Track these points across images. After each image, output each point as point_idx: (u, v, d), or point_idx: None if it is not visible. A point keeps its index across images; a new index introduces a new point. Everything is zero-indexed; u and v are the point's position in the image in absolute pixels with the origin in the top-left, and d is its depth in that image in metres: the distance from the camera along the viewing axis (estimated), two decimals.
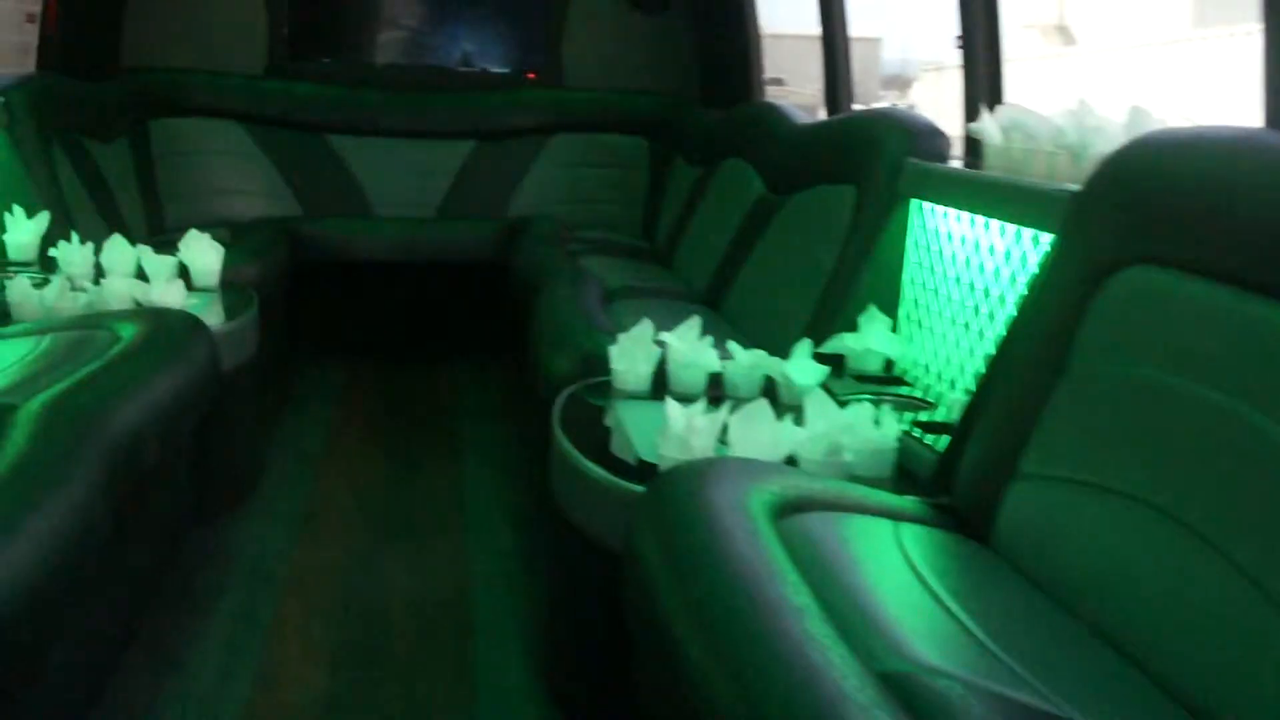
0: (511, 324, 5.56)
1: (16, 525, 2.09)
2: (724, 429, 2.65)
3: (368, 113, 7.07)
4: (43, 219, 4.62)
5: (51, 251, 4.36)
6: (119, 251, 4.35)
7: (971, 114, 3.77)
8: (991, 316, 3.16)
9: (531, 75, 7.40)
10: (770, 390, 3.22)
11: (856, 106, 5.43)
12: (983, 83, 3.87)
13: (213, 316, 4.09)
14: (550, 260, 5.44)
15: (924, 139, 3.81)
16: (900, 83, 33.75)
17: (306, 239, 6.44)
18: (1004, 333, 2.68)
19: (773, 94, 6.66)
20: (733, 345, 3.38)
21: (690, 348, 3.31)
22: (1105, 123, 3.09)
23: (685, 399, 2.80)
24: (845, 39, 5.24)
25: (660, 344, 3.33)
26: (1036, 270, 2.62)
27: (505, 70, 7.51)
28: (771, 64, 6.63)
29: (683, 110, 6.87)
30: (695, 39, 7.22)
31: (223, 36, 7.04)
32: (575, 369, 3.56)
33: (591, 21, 7.32)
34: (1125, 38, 23.95)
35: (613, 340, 3.35)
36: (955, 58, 4.10)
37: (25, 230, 4.57)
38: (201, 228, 4.88)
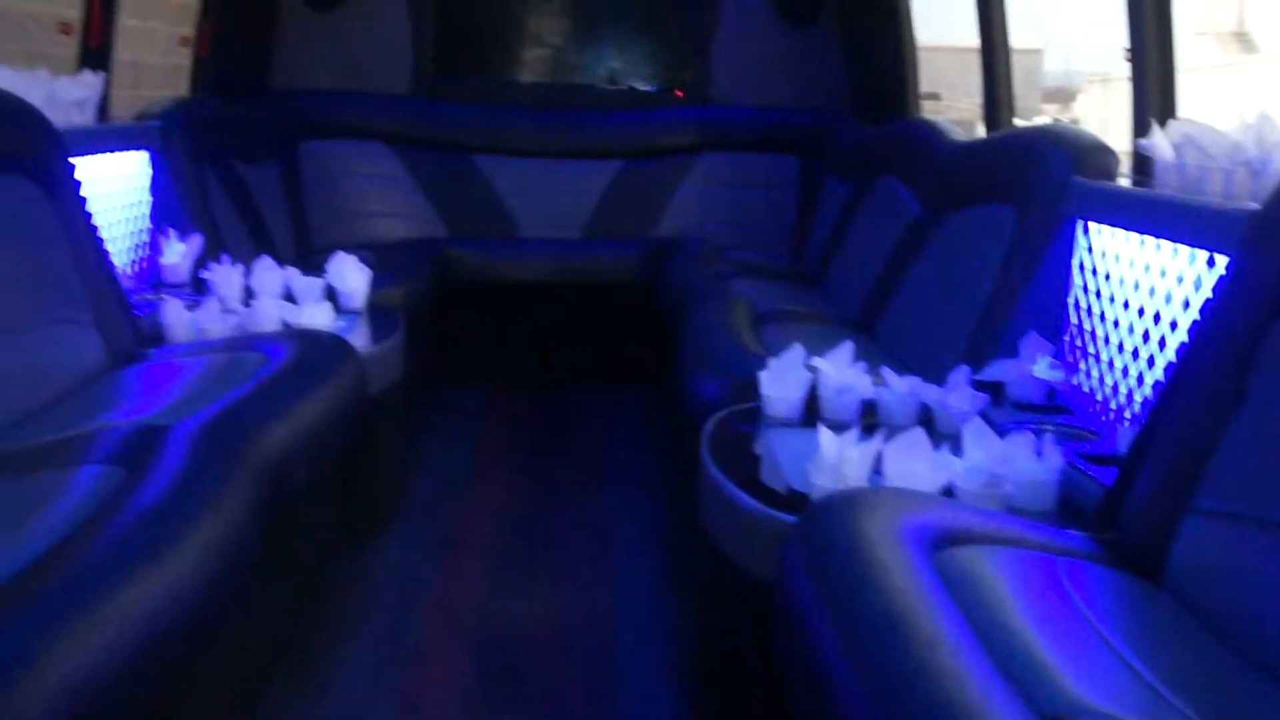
0: (658, 347, 5.57)
1: (171, 547, 2.15)
2: (878, 458, 2.62)
3: (513, 133, 7.17)
4: (195, 242, 4.77)
5: (203, 274, 4.50)
6: (268, 274, 4.46)
7: (1141, 129, 3.68)
8: (1162, 342, 3.08)
9: (679, 93, 7.44)
10: (926, 418, 3.19)
11: (1017, 121, 5.34)
12: (1153, 96, 3.77)
13: (360, 339, 4.18)
14: (698, 282, 5.45)
15: (1090, 156, 3.73)
16: (1064, 96, 33.22)
17: (452, 261, 6.54)
18: (1176, 360, 2.61)
19: (928, 109, 6.59)
20: (887, 371, 3.35)
21: (843, 373, 3.29)
22: None
23: (838, 426, 2.78)
24: (1005, 51, 5.17)
25: (812, 369, 3.32)
26: (1211, 294, 2.56)
27: (652, 88, 7.56)
28: (926, 78, 6.56)
29: (834, 127, 6.84)
30: (847, 53, 7.18)
31: (370, 58, 7.21)
32: (724, 394, 3.56)
33: (740, 37, 7.33)
34: None
35: (763, 365, 3.35)
36: (1123, 69, 4.01)
37: (179, 253, 4.73)
38: (348, 249, 4.99)
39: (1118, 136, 3.98)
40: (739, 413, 3.37)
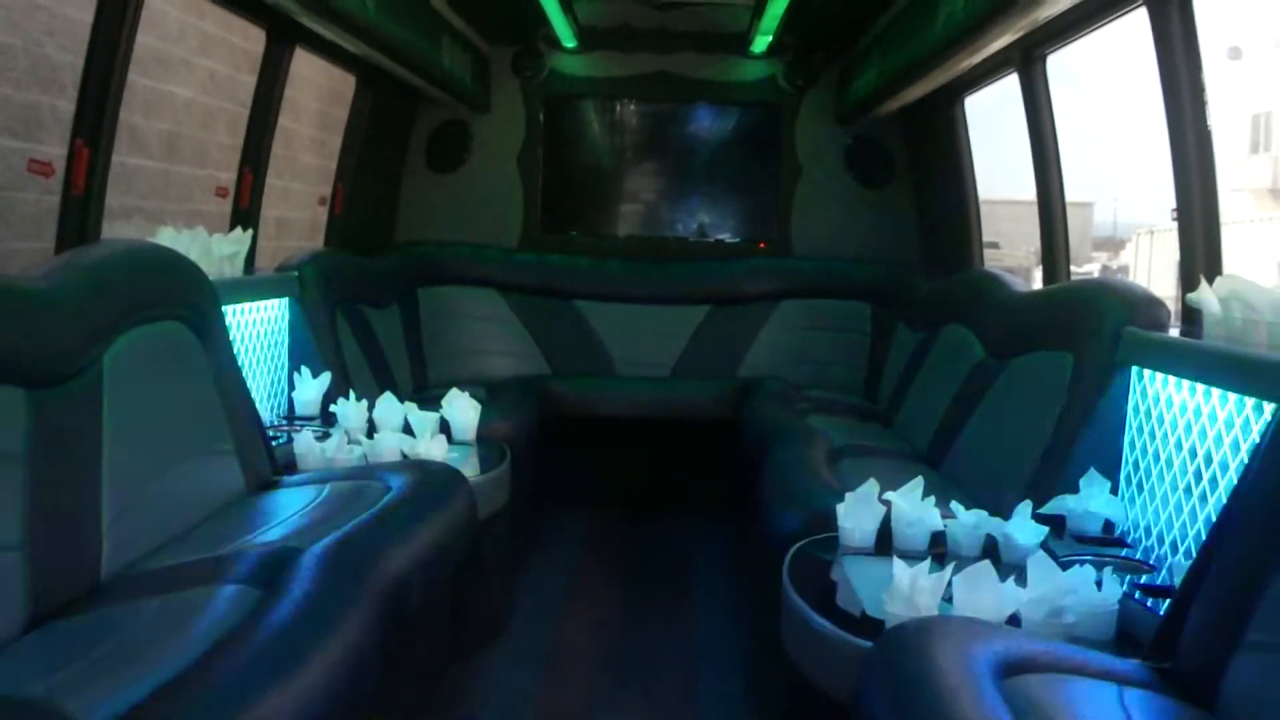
0: (743, 478, 5.57)
1: (300, 664, 2.20)
2: (948, 587, 2.61)
3: (611, 281, 7.27)
4: (325, 378, 4.88)
5: (332, 408, 4.60)
6: (389, 408, 4.55)
7: (1189, 285, 3.68)
8: (1214, 482, 3.05)
9: (762, 245, 7.55)
10: (992, 549, 3.18)
11: (1071, 268, 5.34)
12: (1199, 253, 3.77)
13: (470, 469, 4.24)
14: (779, 419, 5.46)
15: (1143, 309, 3.74)
16: (1113, 245, 33.21)
17: (554, 396, 6.62)
18: (1227, 499, 2.58)
19: (989, 256, 6.62)
20: (955, 505, 3.34)
21: (914, 506, 3.29)
22: None
23: (909, 556, 2.78)
24: (1062, 207, 5.19)
25: (885, 502, 3.32)
26: (1259, 439, 2.54)
27: (738, 240, 7.66)
28: (987, 228, 6.60)
29: (904, 277, 6.86)
30: (917, 209, 7.24)
31: (483, 214, 7.40)
32: (804, 525, 3.56)
33: (818, 194, 7.43)
34: None
35: (839, 498, 3.36)
36: (1165, 221, 4.02)
37: (310, 388, 4.84)
38: (461, 385, 5.09)
39: (1161, 281, 3.98)
40: (817, 542, 3.38)
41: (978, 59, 5.03)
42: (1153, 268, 23.02)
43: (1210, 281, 3.51)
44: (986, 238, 6.58)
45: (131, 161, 7.31)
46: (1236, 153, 31.20)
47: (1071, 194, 5.29)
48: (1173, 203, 3.85)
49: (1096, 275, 29.75)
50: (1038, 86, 5.02)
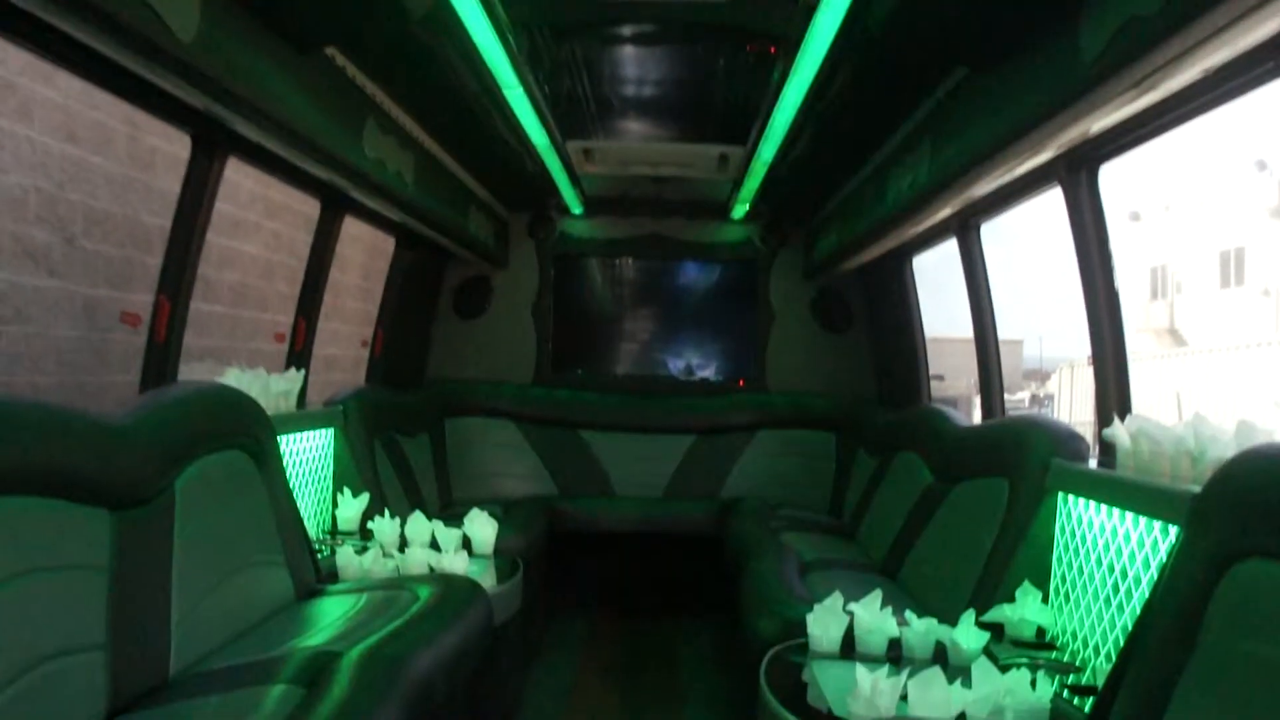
0: (725, 587, 5.55)
1: None
2: (904, 689, 2.61)
3: (612, 413, 7.31)
4: (364, 498, 4.88)
5: (369, 524, 4.59)
6: (418, 525, 4.55)
7: (1104, 421, 3.71)
8: (1130, 593, 3.06)
9: (741, 382, 7.60)
10: (942, 653, 3.17)
11: (1005, 396, 5.38)
12: (1112, 394, 3.82)
13: (488, 580, 4.23)
14: (756, 536, 5.45)
15: (1067, 443, 3.77)
16: (1039, 375, 33.50)
17: (561, 514, 6.61)
18: (1141, 609, 2.59)
19: (935, 386, 6.68)
20: (909, 614, 3.34)
21: (873, 615, 3.28)
22: (1219, 432, 3.03)
23: (871, 660, 2.78)
24: (996, 348, 5.24)
25: (849, 612, 3.32)
26: (1166, 557, 2.56)
27: (720, 378, 7.72)
28: (934, 362, 6.66)
29: (863, 410, 6.91)
30: (873, 351, 7.31)
31: (502, 355, 7.48)
32: (778, 632, 3.55)
33: (789, 338, 7.52)
34: (1225, 340, 23.34)
35: (809, 608, 3.35)
36: (1083, 355, 4.06)
37: (351, 507, 4.84)
38: (481, 504, 5.10)
39: (1080, 405, 4.01)
40: (790, 647, 3.36)
41: (922, 227, 5.13)
42: (1074, 396, 23.31)
43: (1122, 419, 3.56)
44: (933, 370, 6.64)
45: (205, 308, 7.40)
46: (1140, 299, 31.63)
47: (1005, 332, 5.36)
48: (1088, 342, 3.92)
49: (1027, 404, 29.74)
50: (973, 249, 5.11)
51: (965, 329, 5.29)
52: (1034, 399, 32.09)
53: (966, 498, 4.38)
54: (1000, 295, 5.35)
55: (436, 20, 3.64)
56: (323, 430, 4.94)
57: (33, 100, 5.65)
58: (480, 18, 3.65)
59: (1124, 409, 3.75)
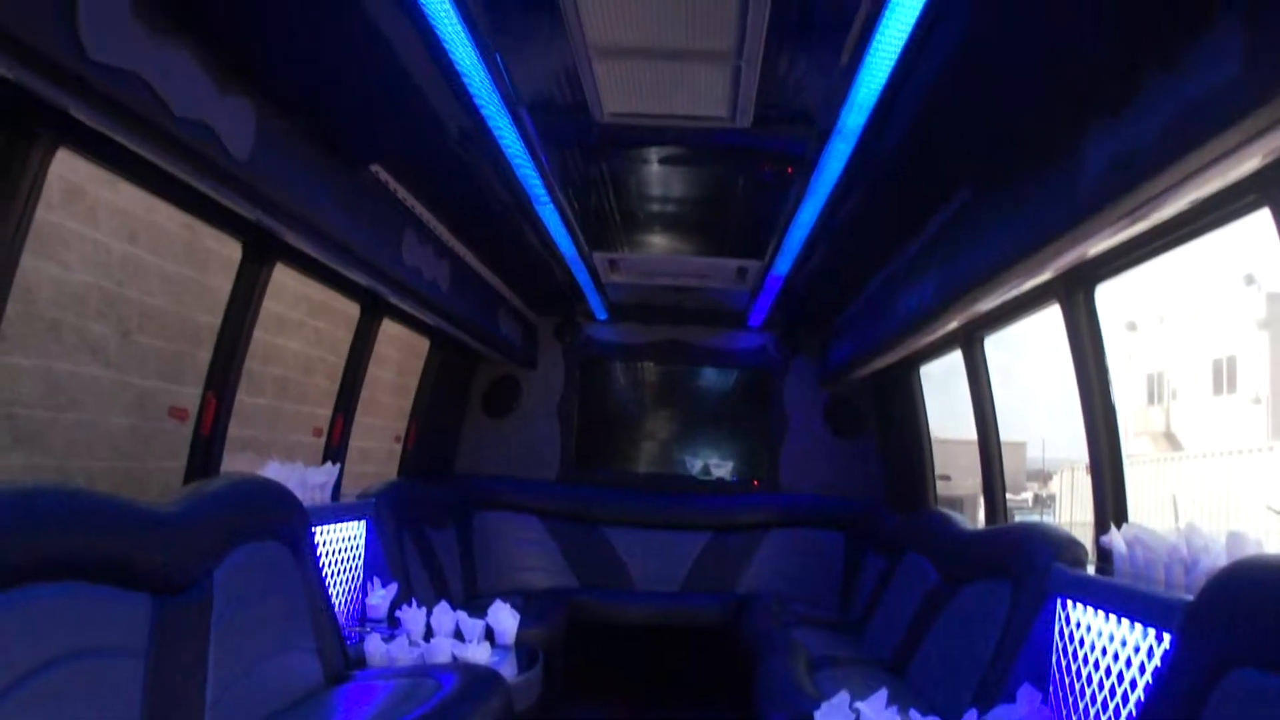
0: (739, 681, 5.48)
1: None
2: None
3: (632, 510, 7.30)
4: (393, 588, 4.87)
5: (397, 613, 4.57)
6: (444, 616, 4.53)
7: (1102, 528, 3.70)
8: (1125, 697, 3.01)
9: (756, 482, 7.58)
10: None
11: (1008, 495, 5.35)
12: (1109, 503, 3.80)
13: (509, 670, 4.20)
14: (768, 632, 5.39)
15: (1067, 548, 3.74)
16: (1042, 476, 33.25)
17: (581, 606, 6.56)
18: (1137, 713, 2.56)
19: (942, 486, 6.64)
20: (913, 711, 3.29)
21: (879, 714, 3.24)
22: (1211, 541, 3.01)
23: None
24: (999, 455, 5.23)
25: (856, 710, 3.27)
26: (1160, 663, 2.53)
27: (736, 478, 7.71)
28: (940, 463, 6.64)
29: (872, 512, 6.86)
30: (882, 455, 7.29)
31: (528, 452, 7.50)
32: None
33: (802, 442, 7.51)
34: (1219, 444, 23.20)
35: (818, 705, 3.31)
36: (1082, 456, 4.04)
37: (380, 596, 4.82)
38: (504, 595, 5.07)
39: (1081, 506, 3.99)
40: None
41: (929, 339, 5.16)
42: (1075, 496, 23.23)
43: (1119, 526, 3.54)
44: (940, 471, 6.62)
45: (248, 400, 7.46)
46: (1137, 403, 31.51)
47: (1009, 434, 5.35)
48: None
49: (1030, 504, 29.44)
50: (978, 361, 5.13)
51: (971, 431, 5.29)
52: (1037, 499, 31.79)
53: (971, 599, 4.34)
54: (1004, 399, 5.36)
55: (474, 139, 3.74)
56: (356, 522, 4.95)
57: (99, 204, 5.78)
58: (514, 138, 3.75)
59: (1120, 516, 3.74)
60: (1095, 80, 2.87)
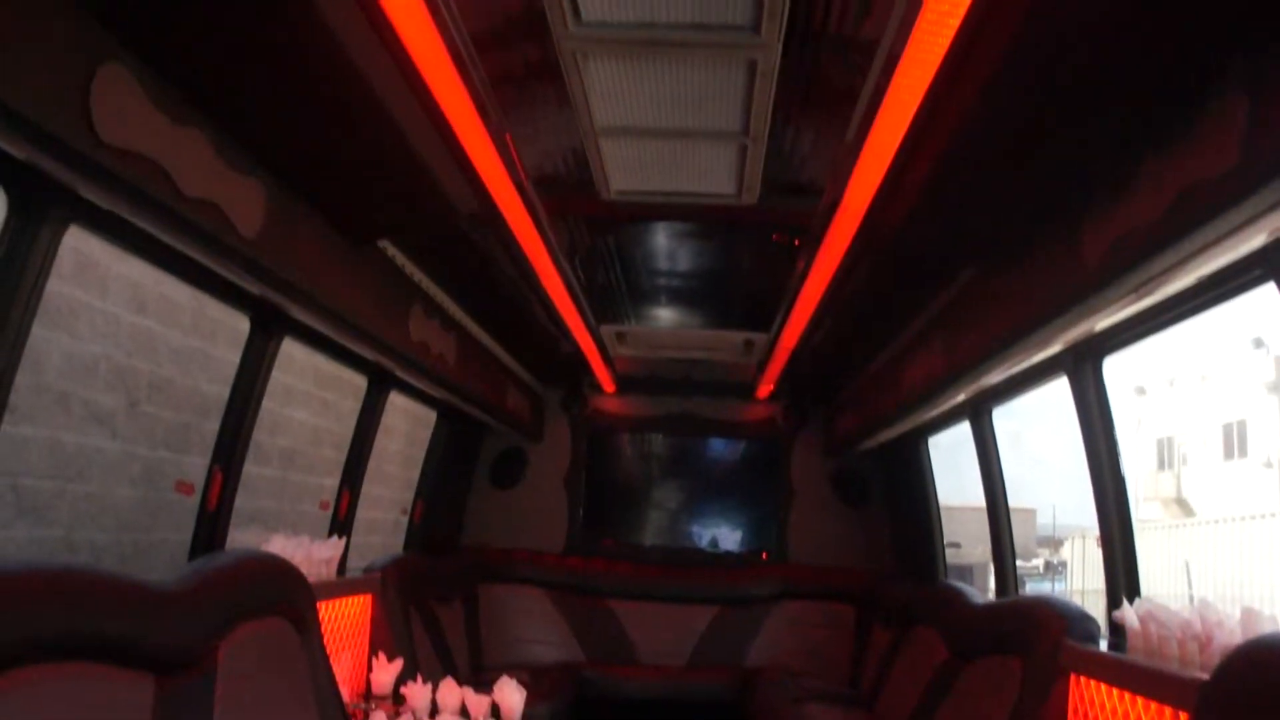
0: None
1: None
2: None
3: (639, 584, 7.25)
4: (398, 663, 4.81)
5: (402, 690, 4.51)
6: (449, 692, 4.47)
7: (1114, 603, 3.66)
8: None
9: (764, 554, 7.52)
10: None
11: (1019, 562, 5.30)
12: (1121, 577, 3.76)
13: None
14: (778, 708, 5.33)
15: (1078, 624, 3.70)
16: (1052, 543, 33.02)
17: (588, 681, 6.50)
18: None
19: (951, 554, 6.62)
20: None
21: None
22: (1225, 618, 2.98)
23: None
24: (1009, 527, 5.18)
25: None
26: None
27: (744, 550, 7.66)
28: (949, 530, 6.60)
29: (881, 584, 6.80)
30: (891, 526, 7.24)
31: (535, 524, 7.46)
32: None
33: (810, 512, 7.47)
34: (1231, 509, 23.05)
35: None
36: (1093, 521, 4.01)
37: (386, 672, 4.75)
38: (510, 669, 5.00)
39: (1093, 574, 3.95)
40: None
41: (936, 412, 5.16)
42: (1086, 563, 23.09)
43: (1130, 600, 3.51)
44: (949, 538, 6.58)
45: (255, 470, 7.46)
46: (1148, 468, 31.35)
47: (1019, 500, 5.32)
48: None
49: (1041, 570, 29.21)
50: (986, 433, 5.11)
51: (979, 497, 5.26)
52: (1048, 566, 31.56)
53: (981, 675, 4.28)
54: (1013, 464, 5.33)
55: (481, 216, 3.77)
56: (361, 596, 4.91)
57: (110, 275, 5.83)
58: (522, 214, 3.78)
59: (1132, 590, 3.70)
60: (1096, 159, 2.90)
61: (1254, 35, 2.21)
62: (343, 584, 4.68)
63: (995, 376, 4.21)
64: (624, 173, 3.58)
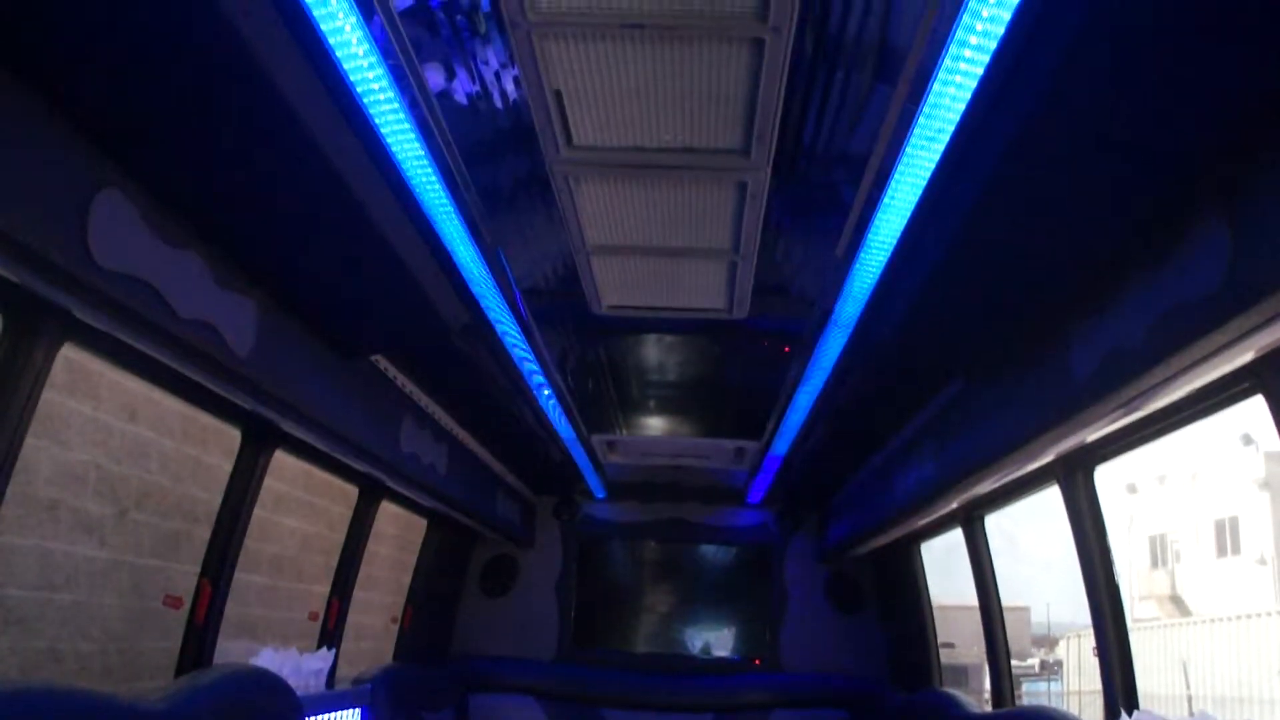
0: None
1: None
2: None
3: (632, 691, 7.11)
4: None
5: None
6: None
7: (1112, 715, 3.60)
8: None
9: (757, 661, 7.40)
10: None
11: (1014, 662, 5.22)
12: (1119, 688, 3.70)
13: None
14: None
15: None
16: (1048, 641, 32.65)
17: None
18: None
19: (945, 654, 6.53)
20: None
21: None
22: None
23: None
24: (1004, 635, 5.11)
25: None
26: None
27: (736, 657, 7.53)
28: (943, 630, 6.51)
29: (875, 691, 6.69)
30: (884, 632, 7.14)
31: (525, 631, 7.34)
32: None
33: (803, 618, 7.36)
34: (1226, 608, 22.86)
35: None
36: (1088, 622, 3.95)
37: None
38: None
39: (1088, 676, 3.86)
40: None
41: (929, 519, 5.13)
42: (1082, 664, 22.83)
43: (1129, 712, 3.45)
44: (943, 638, 6.49)
45: (243, 577, 7.34)
46: (1141, 567, 31.10)
47: (1014, 599, 5.26)
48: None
49: (1037, 669, 28.77)
50: (978, 540, 5.08)
51: (973, 596, 5.19)
52: (1044, 665, 31.14)
53: None
54: (1006, 563, 5.28)
55: (473, 330, 3.78)
56: (351, 710, 4.81)
57: (101, 383, 5.81)
58: (512, 326, 3.79)
59: (1130, 701, 3.64)
60: (1082, 277, 2.92)
61: (1232, 165, 2.24)
62: (332, 697, 4.60)
63: (986, 485, 4.19)
64: (615, 288, 3.60)
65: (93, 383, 5.76)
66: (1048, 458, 3.68)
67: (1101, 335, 2.88)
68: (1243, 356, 2.47)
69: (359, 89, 2.35)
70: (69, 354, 5.32)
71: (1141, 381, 2.70)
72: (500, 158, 2.82)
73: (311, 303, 3.40)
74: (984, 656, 5.50)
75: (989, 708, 5.14)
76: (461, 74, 2.50)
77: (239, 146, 2.51)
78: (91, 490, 5.77)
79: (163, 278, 2.62)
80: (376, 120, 2.46)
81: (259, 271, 3.10)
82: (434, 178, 2.72)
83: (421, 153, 2.61)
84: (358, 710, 4.88)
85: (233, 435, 3.97)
